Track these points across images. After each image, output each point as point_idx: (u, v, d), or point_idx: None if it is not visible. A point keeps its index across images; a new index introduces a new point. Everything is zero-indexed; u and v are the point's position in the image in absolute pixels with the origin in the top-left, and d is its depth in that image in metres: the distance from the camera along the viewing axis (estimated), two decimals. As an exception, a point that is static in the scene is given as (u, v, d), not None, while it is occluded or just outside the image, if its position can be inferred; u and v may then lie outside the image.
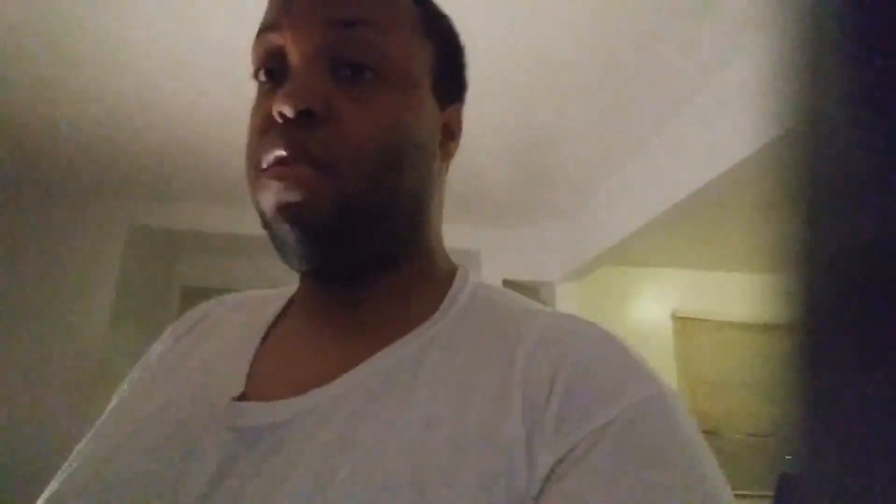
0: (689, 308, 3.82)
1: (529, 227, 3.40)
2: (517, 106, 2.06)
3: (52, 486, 0.34)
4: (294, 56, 0.35)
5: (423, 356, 0.35)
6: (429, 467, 0.29)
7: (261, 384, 0.36)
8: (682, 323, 3.80)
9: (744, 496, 2.91)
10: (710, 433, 3.30)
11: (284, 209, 0.33)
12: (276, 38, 0.35)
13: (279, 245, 0.35)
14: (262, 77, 0.37)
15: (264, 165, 0.34)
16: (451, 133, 0.42)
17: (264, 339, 0.40)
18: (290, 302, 0.44)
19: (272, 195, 0.33)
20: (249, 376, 0.37)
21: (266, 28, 0.36)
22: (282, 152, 0.33)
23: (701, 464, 0.28)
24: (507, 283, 3.10)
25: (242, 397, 0.35)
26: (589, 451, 0.28)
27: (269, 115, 0.34)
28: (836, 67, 0.11)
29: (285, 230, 0.34)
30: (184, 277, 3.65)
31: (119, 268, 2.99)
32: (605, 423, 0.29)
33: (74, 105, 2.09)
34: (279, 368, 0.37)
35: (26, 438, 2.69)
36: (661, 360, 3.50)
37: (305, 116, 0.33)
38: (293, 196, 0.33)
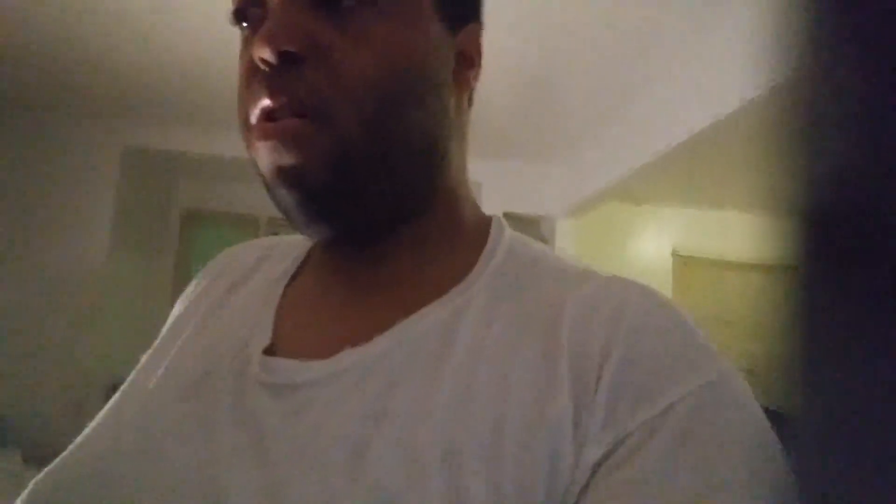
0: (689, 246, 3.69)
1: (532, 161, 3.31)
2: (523, 41, 2.04)
3: (107, 412, 0.36)
4: None
5: (458, 320, 0.31)
6: (465, 446, 0.26)
7: (288, 339, 0.35)
8: (682, 261, 3.71)
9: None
10: None
11: (280, 173, 0.31)
12: None
13: (283, 210, 0.33)
14: (242, 24, 0.34)
15: (253, 120, 0.31)
16: (468, 60, 0.37)
17: (286, 290, 0.39)
18: (310, 252, 0.42)
19: (265, 157, 0.31)
20: (274, 330, 0.35)
21: None
22: (267, 102, 0.30)
23: (771, 461, 0.25)
24: (507, 215, 3.21)
25: (270, 351, 0.34)
26: (644, 443, 0.25)
27: (253, 64, 0.30)
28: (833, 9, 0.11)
29: (284, 195, 0.31)
30: (183, 200, 3.60)
31: (115, 191, 2.89)
32: (663, 411, 0.26)
33: (64, 22, 2.03)
34: (305, 325, 0.36)
35: (28, 370, 2.71)
36: None
37: (289, 59, 0.29)
38: (287, 156, 0.30)
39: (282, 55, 0.29)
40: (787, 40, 0.12)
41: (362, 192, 0.32)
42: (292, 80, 0.30)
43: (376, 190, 0.33)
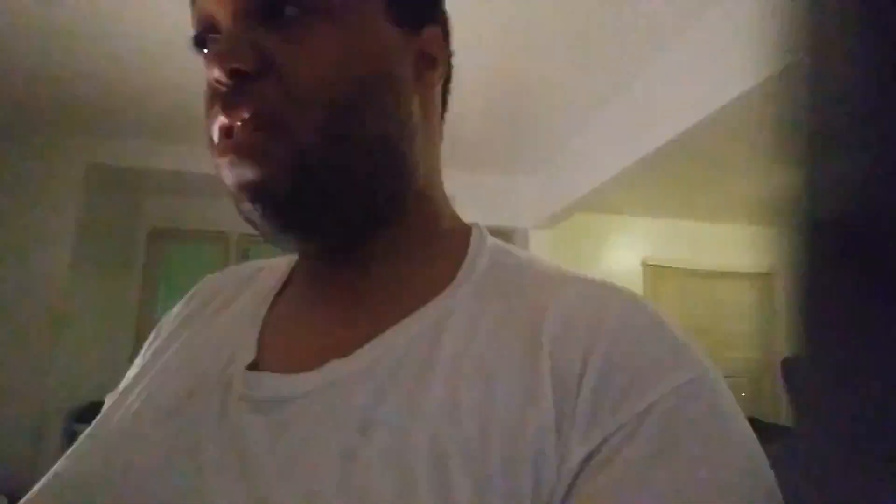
0: (658, 256, 3.82)
1: (504, 173, 3.36)
2: (494, 53, 2.06)
3: (82, 443, 0.35)
4: (221, 16, 0.32)
5: (443, 328, 0.32)
6: (453, 451, 0.26)
7: (271, 354, 0.35)
8: (652, 270, 3.82)
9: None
10: None
11: (242, 187, 0.31)
12: (202, 5, 0.33)
13: (250, 223, 0.33)
14: (199, 48, 0.34)
15: (215, 139, 0.32)
16: (430, 61, 0.37)
17: (272, 306, 0.39)
18: (294, 268, 0.43)
19: (228, 173, 0.31)
20: (259, 346, 0.35)
21: None
22: (223, 119, 0.31)
23: (751, 459, 0.25)
24: None
25: (254, 367, 0.34)
26: (625, 443, 0.25)
27: (213, 86, 0.31)
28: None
29: (249, 209, 0.32)
30: (150, 218, 3.54)
31: (79, 208, 2.81)
32: (643, 411, 0.26)
33: (27, 37, 2.01)
34: (289, 339, 0.36)
35: None
36: None
37: (240, 77, 0.30)
38: (247, 170, 0.30)
39: (232, 73, 0.30)
40: (782, 35, 0.13)
41: (325, 199, 0.32)
42: (245, 96, 0.30)
43: (339, 196, 0.33)
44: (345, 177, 0.32)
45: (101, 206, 3.10)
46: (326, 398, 0.30)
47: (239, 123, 0.31)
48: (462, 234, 0.39)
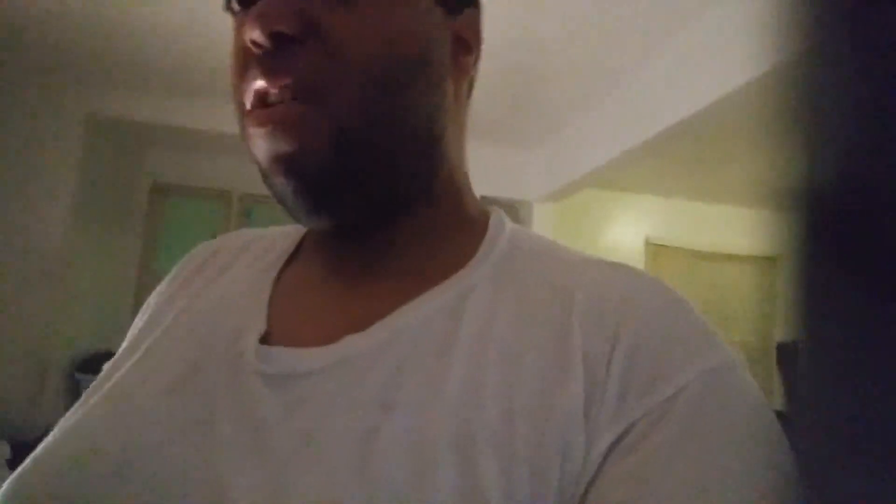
0: (662, 235, 3.79)
1: (511, 146, 3.31)
2: (504, 25, 2.03)
3: (68, 424, 0.32)
4: None
5: (463, 304, 0.31)
6: (476, 433, 0.26)
7: (284, 327, 0.33)
8: (655, 249, 3.80)
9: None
10: None
11: (277, 160, 0.30)
12: None
13: (280, 199, 0.32)
14: (235, 5, 0.32)
15: (248, 105, 0.30)
16: (465, 45, 0.36)
17: (278, 279, 0.37)
18: (303, 240, 0.40)
19: (261, 145, 0.30)
20: (269, 318, 0.34)
21: None
22: (261, 83, 0.29)
23: (774, 449, 0.25)
24: (485, 199, 3.21)
25: (265, 340, 0.32)
26: (652, 428, 0.25)
27: (246, 48, 0.29)
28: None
29: (281, 183, 0.30)
30: (153, 173, 3.47)
31: (78, 160, 2.74)
32: (669, 398, 0.26)
33: None
34: (301, 312, 0.34)
35: None
36: None
37: (282, 41, 0.28)
38: (283, 143, 0.29)
39: (274, 36, 0.28)
40: (784, 25, 0.12)
41: (362, 177, 0.31)
42: (286, 61, 0.29)
43: (376, 176, 0.32)
44: (381, 157, 0.31)
45: (102, 159, 3.05)
46: (343, 374, 0.29)
47: (277, 90, 0.29)
48: (483, 216, 0.38)
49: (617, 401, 0.26)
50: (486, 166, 3.23)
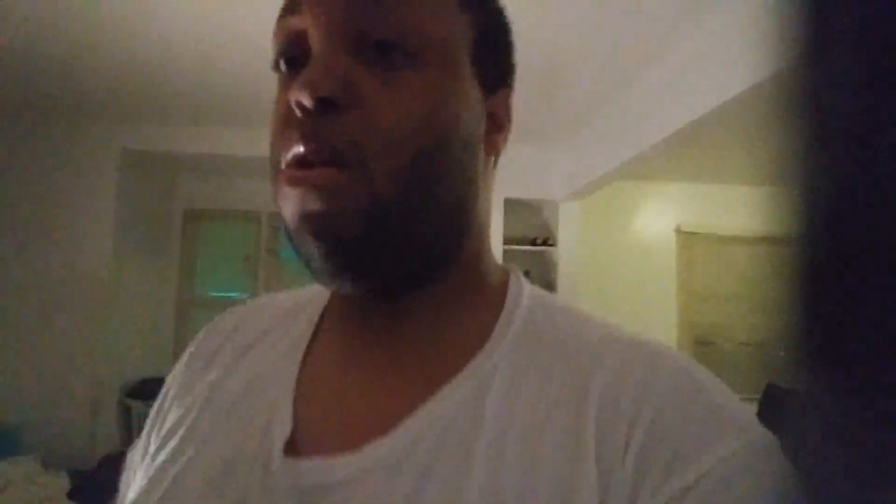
0: (692, 222, 3.66)
1: (533, 145, 3.27)
2: (524, 22, 1.87)
3: None
4: (315, 38, 0.31)
5: (484, 396, 0.31)
6: None
7: (309, 428, 0.34)
8: (686, 237, 3.69)
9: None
10: (704, 343, 3.73)
11: (307, 220, 0.30)
12: (295, 22, 0.32)
13: (304, 260, 0.32)
14: (283, 67, 0.33)
15: (283, 165, 0.31)
16: (498, 123, 0.37)
17: (304, 360, 0.37)
18: (325, 311, 0.40)
19: (293, 204, 0.30)
20: (295, 413, 0.34)
21: (285, 12, 0.33)
22: (300, 149, 0.29)
23: None
24: (509, 201, 3.26)
25: (292, 442, 0.33)
26: None
27: (289, 108, 0.30)
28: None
29: (309, 243, 0.30)
30: (184, 199, 3.67)
31: (116, 193, 2.94)
32: (689, 485, 0.26)
33: (61, 26, 2.01)
34: (325, 406, 0.35)
35: (40, 376, 2.81)
36: (663, 275, 3.68)
37: (326, 105, 0.29)
38: (316, 204, 0.29)
39: (319, 101, 0.29)
40: (782, 30, 0.12)
41: (391, 246, 0.31)
42: (328, 127, 0.29)
43: (405, 245, 0.32)
44: (413, 226, 0.32)
45: (138, 189, 3.20)
46: (369, 485, 0.30)
47: (315, 155, 0.30)
48: (501, 283, 0.38)
49: (633, 488, 0.27)
50: (509, 168, 3.18)
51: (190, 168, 3.52)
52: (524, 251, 3.33)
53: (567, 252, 3.30)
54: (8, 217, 2.87)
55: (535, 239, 3.37)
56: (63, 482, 2.40)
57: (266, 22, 0.35)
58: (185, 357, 0.43)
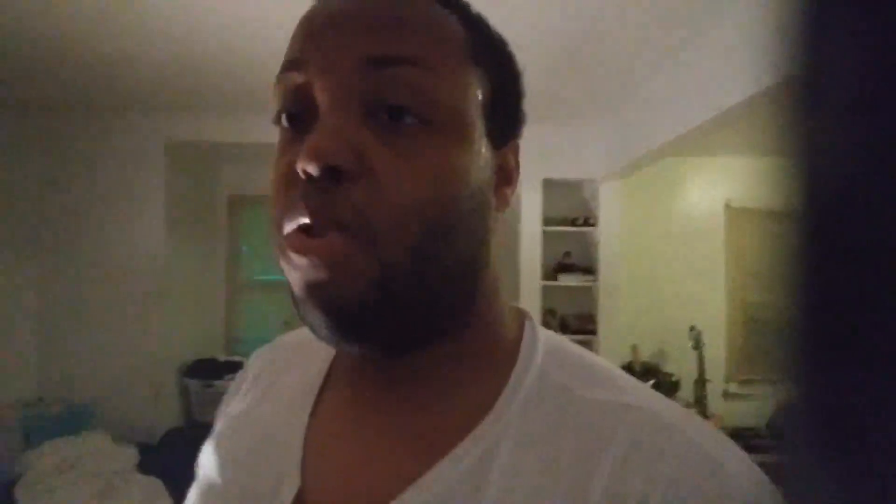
0: (743, 197, 3.43)
1: (571, 123, 3.17)
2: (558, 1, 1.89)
3: None
4: (323, 99, 0.30)
5: (488, 467, 0.31)
6: None
7: (317, 485, 0.34)
8: (736, 213, 3.47)
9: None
10: (756, 321, 3.51)
11: (314, 290, 0.29)
12: (300, 78, 0.30)
13: (310, 326, 0.31)
14: (285, 122, 0.32)
15: (286, 231, 0.30)
16: (507, 176, 0.36)
17: (315, 409, 0.38)
18: (335, 360, 0.41)
19: (299, 272, 0.29)
20: (304, 465, 0.35)
21: (289, 66, 0.31)
22: (306, 220, 0.29)
23: None
24: (547, 182, 3.22)
25: (299, 501, 0.34)
26: None
27: (292, 170, 0.29)
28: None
29: (315, 315, 0.30)
30: (228, 186, 3.84)
31: (164, 182, 3.09)
32: None
33: (98, 21, 2.04)
34: (333, 466, 0.35)
35: (106, 358, 3.00)
36: (712, 254, 3.52)
37: (335, 175, 0.28)
38: (324, 273, 0.29)
39: (328, 170, 0.28)
40: (787, 37, 0.12)
41: (399, 312, 0.31)
42: (336, 197, 0.28)
43: (413, 310, 0.31)
44: (422, 294, 0.31)
45: (184, 178, 3.33)
46: None
47: (322, 226, 0.29)
48: (514, 340, 0.37)
49: None
50: (547, 147, 3.13)
51: (232, 156, 3.63)
52: (564, 232, 3.27)
53: (609, 232, 3.22)
54: (67, 211, 3.04)
55: (576, 219, 3.30)
56: (132, 455, 2.58)
57: (299, 9, 0.34)
58: (237, 379, 0.46)
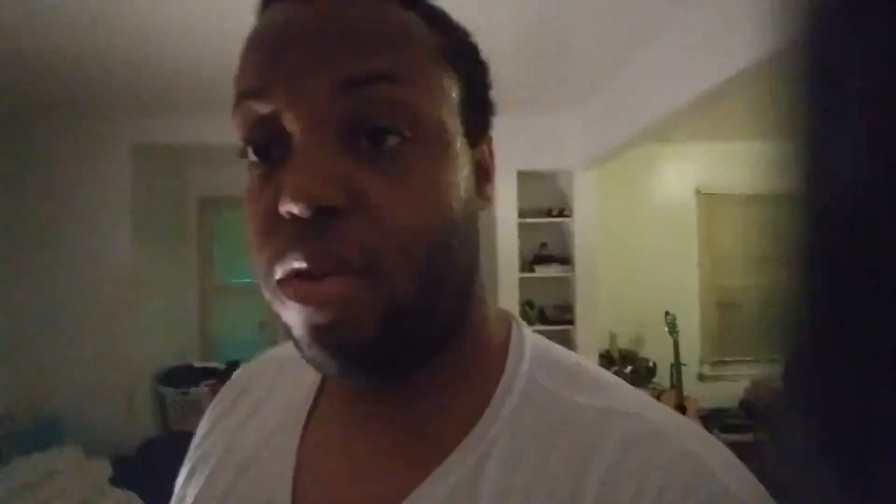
0: (714, 183, 3.54)
1: (544, 115, 3.18)
2: None
3: None
4: (295, 130, 0.27)
5: (478, 480, 0.30)
6: None
7: (308, 500, 0.34)
8: (707, 199, 3.58)
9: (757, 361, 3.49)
10: (730, 305, 3.63)
11: (317, 335, 0.28)
12: (265, 108, 0.28)
13: (314, 365, 0.30)
14: (252, 156, 0.30)
15: (279, 276, 0.28)
16: (484, 172, 0.35)
17: (305, 431, 0.37)
18: (325, 378, 0.39)
19: (301, 317, 0.28)
20: (294, 487, 0.34)
21: (250, 93, 0.28)
22: (302, 265, 0.26)
23: None
24: (522, 173, 3.22)
25: None
26: None
27: (273, 210, 0.27)
28: None
29: (320, 355, 0.28)
30: (199, 188, 3.71)
31: (130, 187, 2.99)
32: None
33: (65, 25, 1.99)
34: (325, 488, 0.34)
35: (75, 369, 2.90)
36: (684, 239, 3.60)
37: (325, 213, 0.26)
38: (329, 317, 0.27)
39: (318, 210, 0.26)
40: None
41: (406, 341, 0.30)
42: (331, 235, 0.26)
43: (419, 338, 0.31)
44: (425, 319, 0.30)
45: (152, 181, 3.24)
46: None
47: (320, 268, 0.27)
48: (502, 346, 0.36)
49: None
50: (521, 139, 3.12)
51: (202, 157, 3.54)
52: (539, 223, 3.29)
53: (584, 222, 3.25)
54: (30, 216, 2.93)
55: (551, 210, 3.33)
56: (105, 468, 2.50)
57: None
58: (216, 398, 0.45)
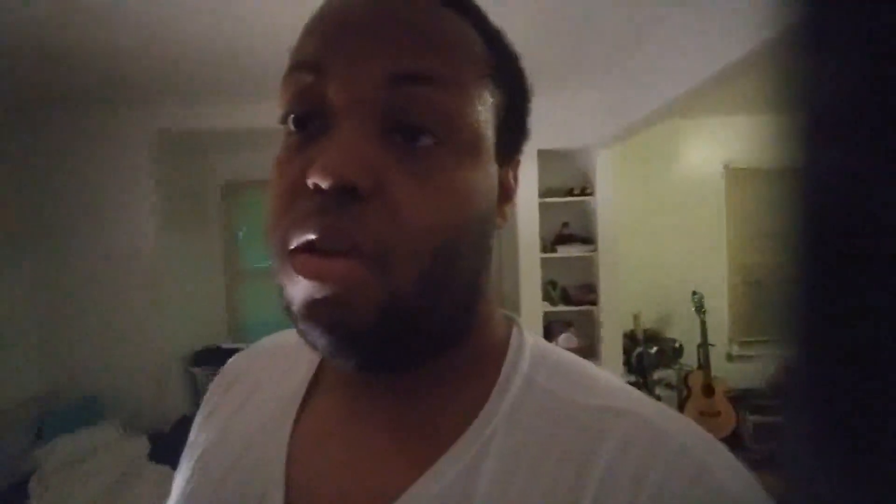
0: (743, 158, 3.39)
1: (564, 91, 3.11)
2: None
3: None
4: (340, 110, 0.28)
5: (474, 477, 0.30)
6: None
7: (301, 495, 0.33)
8: (734, 174, 3.44)
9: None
10: (759, 283, 3.51)
11: (316, 310, 0.28)
12: (314, 82, 0.29)
13: (309, 343, 0.30)
14: (291, 126, 0.30)
15: (291, 246, 0.28)
16: (507, 193, 0.35)
17: (299, 418, 0.37)
18: (321, 366, 0.40)
19: (303, 290, 0.28)
20: (287, 477, 0.34)
21: (302, 65, 0.29)
22: (312, 237, 0.27)
23: None
24: (542, 152, 3.19)
25: None
26: None
27: (300, 179, 0.28)
28: None
29: (315, 333, 0.29)
30: (222, 174, 3.77)
31: (154, 173, 3.06)
32: None
33: (89, 14, 2.01)
34: (320, 479, 0.34)
35: (111, 349, 2.99)
36: (711, 217, 3.50)
37: (347, 193, 0.27)
38: (328, 296, 0.27)
39: (342, 187, 0.27)
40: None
41: (404, 335, 0.30)
42: (349, 217, 0.27)
43: (418, 333, 0.31)
44: (428, 321, 0.30)
45: (176, 167, 3.30)
46: None
47: (331, 245, 0.27)
48: (502, 347, 0.36)
49: None
50: (539, 118, 3.02)
51: (225, 143, 3.59)
52: (561, 203, 3.25)
53: (606, 200, 3.19)
54: (58, 205, 3.02)
55: (572, 189, 3.28)
56: (143, 445, 2.61)
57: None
58: (207, 394, 0.45)
